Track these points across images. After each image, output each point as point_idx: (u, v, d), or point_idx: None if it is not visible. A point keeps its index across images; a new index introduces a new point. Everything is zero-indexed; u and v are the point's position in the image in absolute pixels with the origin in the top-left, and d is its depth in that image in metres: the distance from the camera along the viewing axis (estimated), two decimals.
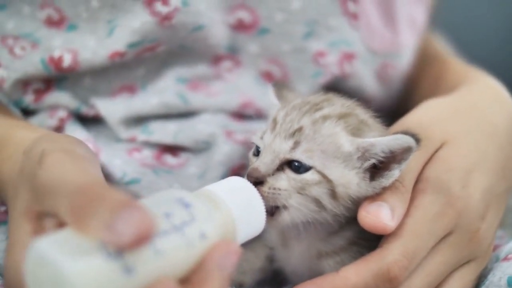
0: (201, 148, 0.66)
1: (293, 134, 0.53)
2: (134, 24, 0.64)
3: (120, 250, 0.40)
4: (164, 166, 0.65)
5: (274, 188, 0.52)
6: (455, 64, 0.81)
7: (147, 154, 0.66)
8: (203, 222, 0.45)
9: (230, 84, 0.70)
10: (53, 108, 0.67)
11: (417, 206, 0.54)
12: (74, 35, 0.66)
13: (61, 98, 0.67)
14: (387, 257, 0.52)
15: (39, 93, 0.67)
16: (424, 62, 0.84)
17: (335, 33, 0.71)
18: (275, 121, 0.56)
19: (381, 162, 0.53)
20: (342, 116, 0.55)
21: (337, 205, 0.53)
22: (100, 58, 0.65)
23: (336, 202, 0.53)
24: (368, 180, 0.53)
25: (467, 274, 0.58)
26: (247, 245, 0.62)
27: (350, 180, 0.53)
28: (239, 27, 0.69)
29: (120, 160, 0.65)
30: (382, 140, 0.53)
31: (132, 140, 0.66)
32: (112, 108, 0.67)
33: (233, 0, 0.68)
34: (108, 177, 0.63)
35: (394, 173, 0.53)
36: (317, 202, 0.53)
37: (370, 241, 0.55)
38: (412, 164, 0.55)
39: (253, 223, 0.49)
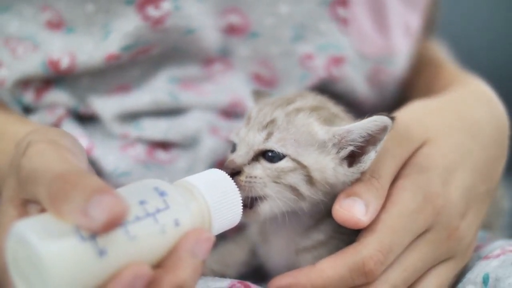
0: (188, 143, 0.69)
1: (266, 126, 0.55)
2: (128, 28, 0.66)
3: (93, 234, 0.42)
4: (156, 161, 0.68)
5: (251, 177, 0.54)
6: (448, 68, 0.82)
7: (140, 150, 0.68)
8: (177, 210, 0.47)
9: (221, 85, 0.72)
10: (52, 106, 0.70)
11: (394, 202, 0.55)
12: (73, 38, 0.68)
13: (59, 97, 0.70)
14: (362, 251, 0.53)
15: (39, 92, 0.70)
16: (419, 66, 0.85)
17: (324, 37, 0.73)
18: (249, 117, 0.58)
19: (358, 147, 0.54)
20: (314, 109, 0.56)
21: (315, 192, 0.54)
22: (96, 60, 0.67)
23: (314, 188, 0.54)
24: (346, 166, 0.55)
25: (444, 272, 0.59)
26: (231, 238, 0.64)
27: (326, 165, 0.54)
28: (231, 30, 0.71)
29: (113, 156, 0.67)
30: (358, 125, 0.54)
31: (125, 136, 0.69)
32: (106, 105, 0.69)
33: (225, 5, 0.70)
34: (100, 171, 0.66)
35: (371, 155, 0.54)
36: (294, 189, 0.54)
37: (348, 235, 0.56)
38: (390, 161, 0.56)
39: (229, 214, 0.51)
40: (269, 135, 0.55)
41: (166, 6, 0.66)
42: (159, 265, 0.46)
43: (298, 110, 0.56)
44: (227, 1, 0.70)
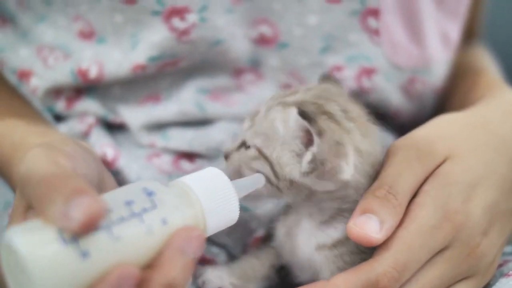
0: (213, 154, 0.69)
1: (252, 118, 0.57)
2: (154, 39, 0.67)
3: (75, 236, 0.43)
4: (180, 171, 0.68)
5: (231, 160, 0.57)
6: (485, 78, 0.80)
7: (166, 160, 0.69)
8: (165, 209, 0.47)
9: (250, 95, 0.72)
10: (82, 114, 0.71)
11: (412, 218, 0.54)
12: (103, 48, 0.70)
13: (90, 105, 0.71)
14: (377, 267, 0.52)
15: (70, 100, 0.71)
16: (458, 76, 0.83)
17: (354, 48, 0.72)
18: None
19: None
20: (298, 104, 0.55)
21: (283, 185, 0.55)
22: (123, 70, 0.68)
23: (280, 181, 0.55)
24: (299, 165, 0.54)
25: None
26: (253, 253, 0.64)
27: (286, 162, 0.54)
28: (261, 41, 0.71)
29: (137, 164, 0.68)
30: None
31: (152, 146, 0.70)
32: (135, 115, 0.70)
33: (254, 15, 0.70)
34: (124, 181, 0.67)
35: (308, 156, 0.53)
36: (266, 178, 0.55)
37: None
38: (409, 177, 0.55)
39: (225, 212, 0.50)
40: (250, 126, 0.57)
41: (191, 18, 0.66)
42: (149, 266, 0.45)
43: (279, 104, 0.56)
44: (256, 12, 0.70)
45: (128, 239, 0.44)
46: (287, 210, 0.61)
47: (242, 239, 0.67)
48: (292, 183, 0.55)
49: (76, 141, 0.54)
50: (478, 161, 0.58)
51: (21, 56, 0.73)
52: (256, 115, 0.58)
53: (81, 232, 0.42)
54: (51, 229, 0.43)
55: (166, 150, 0.69)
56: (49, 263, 0.42)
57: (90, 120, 0.70)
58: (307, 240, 0.58)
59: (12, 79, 0.74)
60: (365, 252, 0.56)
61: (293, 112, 0.54)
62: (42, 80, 0.71)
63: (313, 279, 0.58)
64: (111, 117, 0.71)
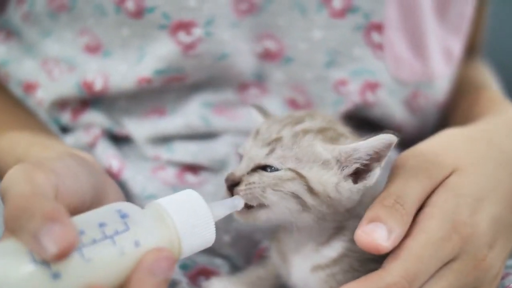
0: (217, 167, 0.69)
1: (269, 143, 0.56)
2: (161, 52, 0.68)
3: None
4: (184, 184, 0.69)
5: (249, 183, 0.55)
6: (487, 94, 0.81)
7: (170, 172, 0.69)
8: (138, 232, 0.47)
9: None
10: (88, 126, 0.72)
11: (421, 229, 0.54)
12: (109, 61, 0.70)
13: (96, 117, 0.72)
14: (386, 278, 0.52)
15: (76, 112, 0.72)
16: (460, 91, 0.84)
17: (358, 62, 0.72)
18: (257, 132, 0.58)
19: (364, 165, 0.55)
20: (321, 130, 0.57)
21: (319, 203, 0.54)
22: (129, 83, 0.69)
23: (317, 198, 0.54)
24: (351, 182, 0.55)
25: None
26: (259, 263, 0.64)
27: (327, 180, 0.54)
28: (266, 55, 0.71)
29: (142, 176, 0.69)
30: (365, 143, 0.54)
31: (156, 159, 0.70)
32: (140, 127, 0.71)
33: (259, 30, 0.70)
34: (128, 193, 0.68)
35: (376, 172, 0.55)
36: (297, 197, 0.54)
37: (362, 253, 0.55)
38: (417, 188, 0.55)
39: (201, 235, 0.50)
40: (271, 151, 0.56)
41: (197, 32, 0.67)
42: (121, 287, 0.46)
43: (305, 132, 0.56)
44: (261, 27, 0.70)
45: (100, 261, 0.45)
46: (277, 236, 0.61)
47: (246, 250, 0.67)
48: (334, 200, 0.55)
49: (76, 154, 0.54)
50: (483, 174, 0.59)
51: (26, 69, 0.73)
52: (269, 139, 0.56)
53: (55, 261, 0.43)
54: (23, 250, 0.43)
55: (171, 163, 0.70)
56: (21, 284, 0.42)
57: (96, 131, 0.71)
58: (302, 264, 0.59)
59: (18, 91, 0.74)
60: (358, 270, 0.56)
61: (385, 136, 0.54)
62: (47, 92, 0.71)
63: None
64: (117, 129, 0.72)
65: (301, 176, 0.54)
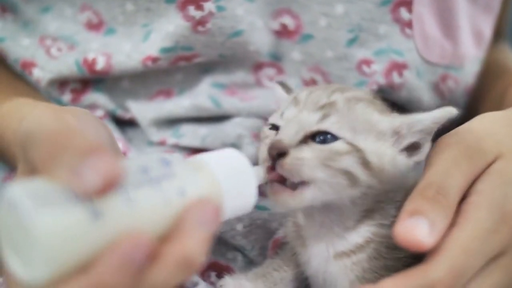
0: None
1: (322, 107, 0.52)
2: (168, 28, 0.64)
3: (88, 197, 0.39)
4: None
5: (298, 159, 0.50)
6: None
7: None
8: (183, 180, 0.43)
9: (270, 91, 0.68)
10: (91, 107, 0.68)
11: (467, 220, 0.49)
12: (112, 39, 0.67)
13: (98, 99, 0.68)
14: (430, 274, 0.47)
15: (76, 93, 0.69)
16: (491, 75, 0.80)
17: (384, 41, 0.68)
18: (296, 100, 0.54)
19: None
20: (371, 101, 0.55)
21: (371, 177, 0.51)
22: (133, 62, 0.65)
23: (370, 172, 0.51)
24: (405, 155, 0.53)
25: None
26: (277, 255, 0.60)
27: (384, 152, 0.52)
28: (283, 33, 0.67)
29: None
30: (429, 115, 0.53)
31: (162, 143, 0.67)
32: (145, 109, 0.67)
33: (276, 5, 0.66)
34: None
35: (427, 147, 0.53)
36: (348, 173, 0.50)
37: (389, 238, 0.52)
38: (459, 176, 0.51)
39: (242, 195, 0.47)
40: (325, 116, 0.52)
41: (208, 6, 0.63)
42: (162, 239, 0.42)
43: (358, 99, 0.53)
44: (278, 1, 0.66)
45: (144, 204, 0.41)
46: (296, 220, 0.58)
47: (261, 241, 0.63)
48: (388, 174, 0.52)
49: (89, 112, 0.51)
50: None
51: (22, 46, 0.70)
52: (320, 103, 0.53)
53: (96, 196, 0.39)
54: (59, 187, 0.39)
55: (178, 147, 0.66)
56: (56, 221, 0.38)
57: (100, 113, 0.68)
58: (324, 250, 0.55)
59: (16, 68, 0.71)
60: (385, 257, 0.53)
61: (449, 109, 0.53)
62: (45, 71, 0.68)
63: None
64: (120, 113, 0.69)
65: (357, 149, 0.51)
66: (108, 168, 0.39)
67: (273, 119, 0.55)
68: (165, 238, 0.42)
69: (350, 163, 0.50)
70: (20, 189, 0.39)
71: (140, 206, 0.41)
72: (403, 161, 0.52)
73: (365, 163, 0.50)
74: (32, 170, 0.44)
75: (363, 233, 0.54)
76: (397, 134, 0.52)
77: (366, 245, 0.53)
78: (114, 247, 0.39)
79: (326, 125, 0.51)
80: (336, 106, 0.52)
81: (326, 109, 0.52)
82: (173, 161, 0.44)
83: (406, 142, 0.52)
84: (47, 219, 0.38)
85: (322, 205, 0.52)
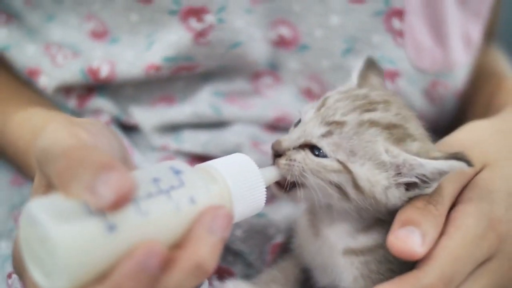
0: None
1: (330, 124, 0.53)
2: (171, 39, 0.65)
3: (102, 211, 0.41)
4: None
5: (291, 159, 0.53)
6: (510, 81, 0.78)
7: None
8: (193, 188, 0.45)
9: (268, 99, 0.70)
10: (97, 112, 0.70)
11: (457, 227, 0.51)
12: (116, 48, 0.68)
13: (103, 104, 0.69)
14: (422, 279, 0.49)
15: (82, 98, 0.70)
16: (480, 79, 0.81)
17: (377, 50, 0.69)
18: (323, 103, 0.55)
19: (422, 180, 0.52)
20: (389, 127, 0.53)
21: (363, 199, 0.52)
22: (136, 70, 0.66)
23: (361, 194, 0.52)
24: (403, 190, 0.52)
25: None
26: (289, 254, 0.62)
27: (378, 181, 0.52)
28: (280, 43, 0.69)
29: (150, 166, 0.65)
30: (434, 164, 0.51)
31: (164, 148, 0.68)
32: (147, 115, 0.69)
33: (273, 16, 0.68)
34: None
35: (435, 186, 0.52)
36: (338, 188, 0.52)
37: None
38: (448, 186, 0.53)
39: (252, 199, 0.49)
40: (328, 134, 0.53)
41: (209, 19, 0.64)
42: (175, 246, 0.44)
43: (372, 124, 0.53)
44: (276, 13, 0.67)
45: (156, 215, 0.43)
46: (313, 209, 0.59)
47: (259, 246, 0.65)
48: (378, 202, 0.52)
49: (100, 122, 0.52)
50: None
51: (28, 54, 0.71)
52: (331, 119, 0.53)
53: (111, 210, 0.40)
54: (75, 202, 0.41)
55: (179, 153, 0.68)
56: (74, 236, 0.40)
57: (105, 118, 0.69)
58: (336, 243, 0.56)
59: (23, 76, 0.72)
60: (392, 262, 0.54)
61: (458, 163, 0.50)
62: (50, 78, 0.69)
63: (333, 285, 0.56)
64: (124, 118, 0.70)
65: (348, 171, 0.52)
66: (121, 184, 0.40)
67: (303, 112, 0.56)
68: (177, 245, 0.43)
69: (339, 179, 0.52)
70: (40, 206, 0.41)
71: (152, 216, 0.42)
72: (397, 194, 0.52)
73: (356, 185, 0.51)
74: (49, 185, 0.45)
75: (374, 237, 0.55)
76: (398, 169, 0.52)
77: (375, 250, 0.55)
78: (129, 256, 0.40)
79: (322, 144, 0.52)
80: (343, 128, 0.52)
81: (333, 127, 0.52)
82: (183, 170, 0.46)
83: (405, 180, 0.52)
84: (65, 234, 0.40)
85: (325, 206, 0.54)
